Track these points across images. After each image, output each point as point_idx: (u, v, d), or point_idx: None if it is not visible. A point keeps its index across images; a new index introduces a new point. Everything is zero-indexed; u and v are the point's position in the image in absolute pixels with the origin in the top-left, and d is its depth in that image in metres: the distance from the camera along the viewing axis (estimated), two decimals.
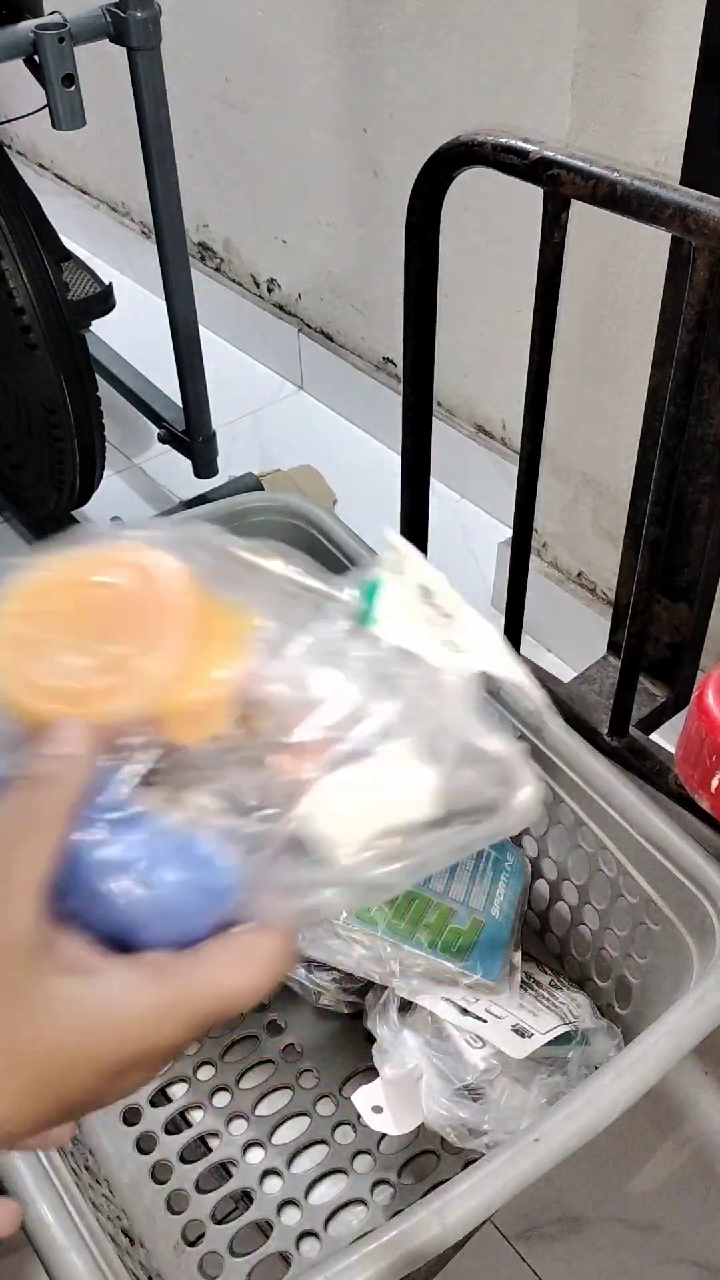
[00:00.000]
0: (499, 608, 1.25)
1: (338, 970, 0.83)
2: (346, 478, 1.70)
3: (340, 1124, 0.87)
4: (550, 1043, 0.77)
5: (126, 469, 1.75)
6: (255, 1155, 0.85)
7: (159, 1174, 0.84)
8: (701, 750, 0.73)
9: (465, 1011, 0.78)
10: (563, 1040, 0.78)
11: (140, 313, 1.77)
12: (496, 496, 1.59)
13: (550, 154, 0.76)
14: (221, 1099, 0.87)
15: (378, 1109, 0.75)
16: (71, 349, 1.31)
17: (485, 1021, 0.77)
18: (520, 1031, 0.77)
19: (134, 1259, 0.71)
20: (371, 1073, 0.79)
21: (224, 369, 1.87)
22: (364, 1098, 0.75)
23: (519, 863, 0.91)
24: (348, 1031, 0.91)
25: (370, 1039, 0.80)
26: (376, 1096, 0.75)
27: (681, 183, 0.76)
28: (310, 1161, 0.85)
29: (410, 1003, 0.79)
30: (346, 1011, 0.89)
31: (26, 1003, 0.32)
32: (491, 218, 1.36)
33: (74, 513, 1.55)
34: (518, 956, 0.85)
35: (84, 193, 2.24)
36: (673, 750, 0.81)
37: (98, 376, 1.44)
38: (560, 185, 0.76)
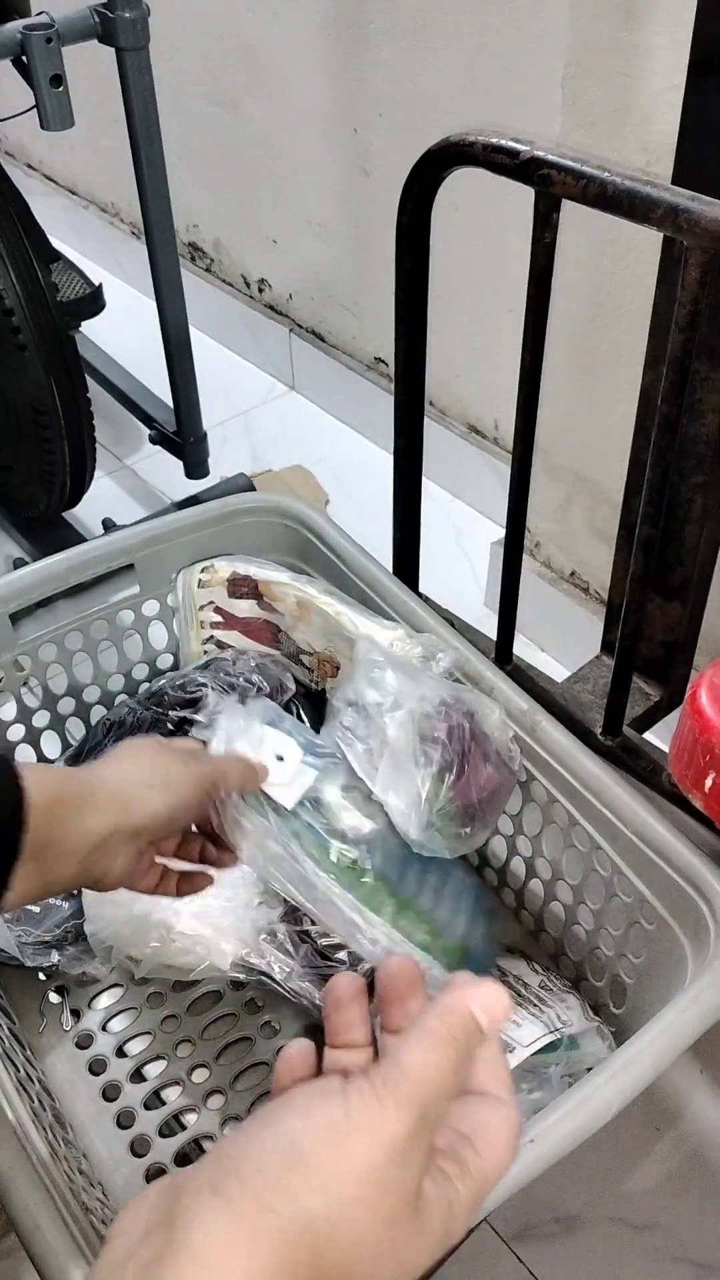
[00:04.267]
0: (492, 608, 1.25)
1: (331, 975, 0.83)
2: (338, 478, 1.70)
3: None
4: (535, 1052, 0.77)
5: (117, 470, 1.74)
6: None
7: (153, 1177, 0.84)
8: (695, 749, 0.73)
9: None
10: (548, 1049, 0.78)
11: (130, 313, 1.77)
12: (489, 496, 1.59)
13: (541, 154, 0.76)
14: (215, 1101, 0.87)
15: None
16: (61, 350, 1.31)
17: None
18: (504, 1046, 0.77)
19: None
20: None
21: (215, 369, 1.87)
22: None
23: (494, 906, 0.91)
24: None
25: None
26: None
27: (673, 182, 0.76)
28: None
29: None
30: None
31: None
32: (483, 218, 1.36)
33: (64, 514, 1.55)
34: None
35: (73, 193, 2.24)
36: (666, 749, 0.81)
37: (88, 377, 1.44)
38: (551, 185, 0.76)
